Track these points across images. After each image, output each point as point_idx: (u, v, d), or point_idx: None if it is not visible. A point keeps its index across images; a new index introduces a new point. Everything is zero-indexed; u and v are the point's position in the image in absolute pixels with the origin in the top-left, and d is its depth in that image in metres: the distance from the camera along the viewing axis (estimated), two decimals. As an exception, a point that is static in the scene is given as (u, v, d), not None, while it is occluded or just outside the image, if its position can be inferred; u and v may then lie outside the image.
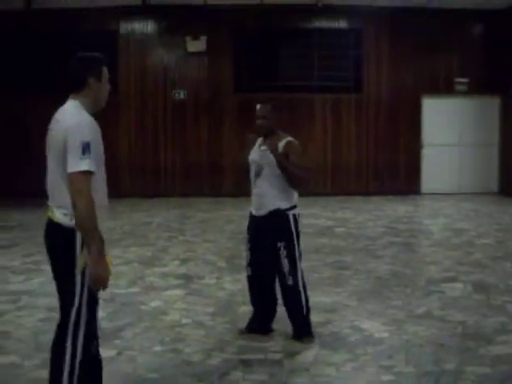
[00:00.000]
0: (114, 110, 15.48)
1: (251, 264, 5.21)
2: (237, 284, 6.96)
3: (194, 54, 15.70)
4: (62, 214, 3.42)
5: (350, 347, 4.97)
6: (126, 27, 15.92)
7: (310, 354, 4.82)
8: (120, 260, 8.12)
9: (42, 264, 7.93)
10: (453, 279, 7.16)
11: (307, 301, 5.14)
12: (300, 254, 5.10)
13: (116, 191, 15.02)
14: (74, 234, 3.38)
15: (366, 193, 15.88)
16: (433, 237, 10.00)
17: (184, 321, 5.65)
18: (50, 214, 3.51)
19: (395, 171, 16.17)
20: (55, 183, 3.45)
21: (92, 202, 3.30)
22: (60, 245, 3.44)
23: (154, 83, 15.82)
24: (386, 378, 4.34)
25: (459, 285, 6.92)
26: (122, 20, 15.85)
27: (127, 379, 4.25)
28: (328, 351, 4.87)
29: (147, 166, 15.63)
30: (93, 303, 3.54)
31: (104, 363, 4.53)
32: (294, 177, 4.94)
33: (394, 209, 13.45)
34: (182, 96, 15.86)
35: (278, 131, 5.13)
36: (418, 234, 10.64)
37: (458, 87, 16.02)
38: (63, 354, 3.45)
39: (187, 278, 7.20)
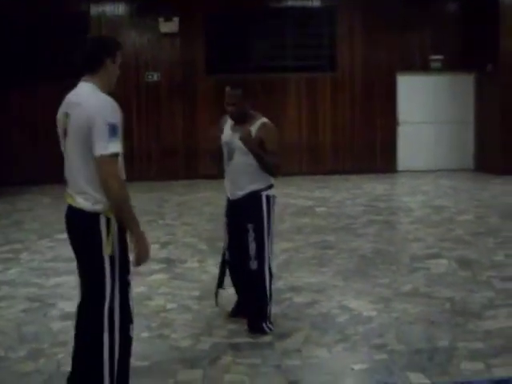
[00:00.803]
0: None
1: (229, 248, 5.06)
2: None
3: (166, 35, 15.49)
4: (83, 199, 3.35)
5: (339, 327, 4.92)
6: (96, 9, 15.62)
7: (300, 335, 4.75)
8: (100, 246, 7.98)
9: (20, 252, 7.81)
10: (437, 256, 7.15)
11: (270, 290, 4.89)
12: (270, 238, 4.88)
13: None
14: (98, 219, 3.34)
15: (343, 172, 15.86)
16: (413, 214, 9.99)
17: (169, 306, 5.55)
18: (69, 200, 3.45)
19: (371, 149, 16.17)
20: (76, 168, 3.38)
21: (123, 183, 3.30)
22: (84, 231, 3.39)
23: (126, 65, 15.53)
24: (379, 356, 4.29)
25: (443, 261, 6.91)
26: (92, 2, 15.55)
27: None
28: (318, 332, 4.81)
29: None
30: (125, 286, 3.47)
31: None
32: (267, 165, 4.72)
33: (372, 187, 13.43)
34: (155, 78, 15.66)
35: (250, 114, 4.91)
36: (398, 212, 10.64)
37: (433, 64, 16.01)
38: (101, 345, 3.36)
39: (169, 262, 7.10)
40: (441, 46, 15.96)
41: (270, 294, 4.90)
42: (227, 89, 4.89)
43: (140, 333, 4.72)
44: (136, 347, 4.49)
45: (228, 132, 4.95)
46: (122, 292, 3.43)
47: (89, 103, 3.31)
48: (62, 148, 3.51)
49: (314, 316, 5.19)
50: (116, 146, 3.25)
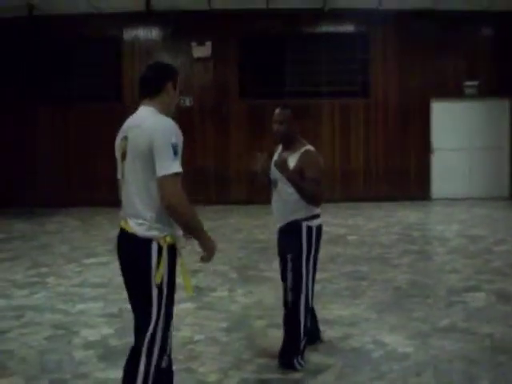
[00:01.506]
0: (119, 120, 15.20)
1: (281, 278, 4.85)
2: (250, 296, 6.68)
3: (199, 59, 15.46)
4: (137, 224, 3.33)
5: (374, 364, 4.68)
6: (130, 34, 15.68)
7: (332, 372, 4.53)
8: (127, 272, 7.85)
9: (47, 277, 7.71)
10: (475, 288, 6.87)
11: (306, 326, 4.69)
12: (311, 271, 4.70)
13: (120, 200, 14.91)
14: (150, 245, 3.29)
15: (376, 199, 15.60)
16: (448, 244, 9.69)
17: (197, 337, 5.36)
18: (123, 224, 3.43)
19: (405, 176, 15.90)
20: (134, 192, 3.36)
21: (187, 200, 3.25)
22: (135, 256, 3.34)
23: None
24: (417, 398, 4.06)
25: (482, 294, 6.63)
26: (125, 27, 15.62)
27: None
28: (351, 369, 4.58)
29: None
30: (169, 317, 3.43)
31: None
32: (306, 192, 4.55)
33: (406, 215, 13.16)
34: (187, 103, 15.59)
35: (296, 138, 4.80)
36: (433, 241, 10.34)
37: (467, 90, 15.75)
38: (136, 371, 3.36)
39: (198, 291, 6.91)
40: (475, 71, 15.69)
41: (305, 330, 4.68)
42: (277, 110, 4.84)
43: (166, 366, 4.52)
44: (161, 382, 4.31)
45: (275, 158, 4.85)
46: (165, 322, 3.39)
47: (149, 124, 3.29)
48: (119, 173, 3.52)
49: (347, 351, 4.96)
50: (178, 166, 3.22)
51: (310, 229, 4.68)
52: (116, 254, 3.51)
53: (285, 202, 4.71)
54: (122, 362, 4.65)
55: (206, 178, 15.44)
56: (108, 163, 15.29)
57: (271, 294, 6.73)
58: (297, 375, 4.48)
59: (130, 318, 5.82)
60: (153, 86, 3.48)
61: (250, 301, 6.52)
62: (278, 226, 4.85)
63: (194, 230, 3.37)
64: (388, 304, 6.35)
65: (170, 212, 3.24)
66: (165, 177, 3.19)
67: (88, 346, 5.12)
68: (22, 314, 6.10)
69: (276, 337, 5.25)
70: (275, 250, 8.23)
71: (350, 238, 10.35)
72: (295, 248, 4.64)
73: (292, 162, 4.63)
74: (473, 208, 14.15)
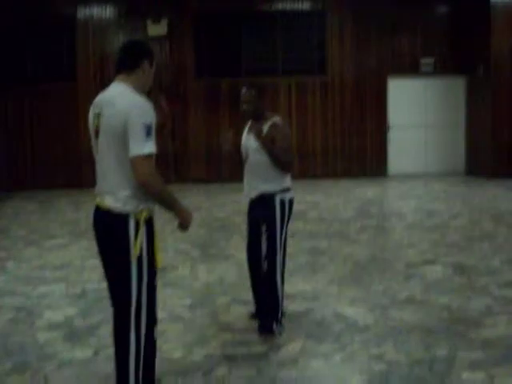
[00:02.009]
0: (72, 98, 15.09)
1: (247, 249, 5.06)
2: (213, 274, 6.74)
3: (154, 38, 15.31)
4: (113, 200, 3.35)
5: (335, 336, 4.78)
6: (83, 11, 15.44)
7: (295, 345, 4.60)
8: (88, 253, 7.82)
9: (6, 261, 7.64)
10: (432, 262, 7.03)
11: (282, 292, 4.87)
12: (283, 242, 4.86)
13: (78, 181, 14.81)
14: (127, 220, 3.33)
15: (334, 176, 15.75)
16: (406, 219, 9.87)
17: (161, 315, 5.31)
18: (98, 201, 3.45)
19: (362, 153, 16.07)
20: (108, 168, 3.38)
21: (161, 178, 3.31)
22: (112, 232, 3.38)
23: (114, 69, 15.39)
24: (378, 367, 4.16)
25: (439, 267, 6.79)
26: (79, 4, 15.37)
27: (107, 382, 3.98)
28: (314, 342, 4.67)
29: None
30: (152, 289, 3.47)
31: (81, 365, 4.33)
32: (279, 161, 4.74)
33: (363, 191, 13.33)
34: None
35: (264, 113, 4.94)
36: (391, 217, 10.52)
37: (423, 67, 15.93)
38: (128, 344, 3.40)
39: (160, 269, 6.90)
40: (431, 49, 15.88)
41: (282, 296, 4.86)
42: (243, 89, 4.92)
43: (130, 344, 4.55)
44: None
45: (245, 135, 5.03)
46: (148, 294, 3.43)
47: (123, 103, 3.30)
48: (94, 149, 3.50)
49: (309, 324, 5.05)
50: (151, 147, 3.27)
51: (282, 202, 4.82)
52: (93, 232, 3.54)
53: (257, 171, 4.83)
54: (88, 342, 4.73)
55: (164, 156, 15.38)
56: (64, 145, 15.29)
57: (233, 270, 6.81)
58: (260, 348, 4.55)
59: (93, 298, 5.90)
60: (129, 62, 3.49)
61: (212, 278, 6.58)
62: (250, 198, 4.96)
63: (168, 206, 3.44)
64: (348, 278, 6.46)
65: (144, 190, 3.30)
66: (138, 157, 3.22)
67: (52, 327, 5.11)
68: (-18, 298, 6.05)
69: (239, 312, 5.35)
70: (235, 228, 8.34)
71: (309, 214, 10.45)
72: (269, 219, 4.78)
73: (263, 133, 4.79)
74: (429, 184, 14.39)
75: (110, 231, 3.38)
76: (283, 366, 4.24)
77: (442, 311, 5.30)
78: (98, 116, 3.38)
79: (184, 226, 3.56)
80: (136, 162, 3.23)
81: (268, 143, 4.72)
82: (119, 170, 3.33)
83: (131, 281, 3.35)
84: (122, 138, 3.26)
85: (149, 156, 3.26)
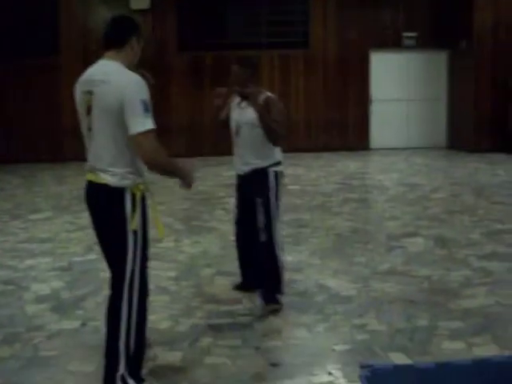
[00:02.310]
0: (55, 72, 15.01)
1: (238, 223, 5.12)
2: (197, 246, 6.82)
3: (137, 11, 15.20)
4: (109, 175, 3.38)
5: (318, 307, 4.89)
6: (65, -17, 15.30)
7: (279, 315, 4.71)
8: (73, 226, 7.88)
9: (-8, 233, 7.66)
10: (413, 234, 7.15)
11: (282, 262, 4.89)
12: (278, 212, 4.90)
13: (61, 155, 14.78)
14: (124, 194, 3.39)
15: (316, 149, 15.82)
16: (388, 192, 9.98)
17: (147, 287, 5.47)
18: (91, 177, 3.49)
19: (344, 127, 16.14)
20: (103, 146, 3.39)
21: (164, 151, 3.38)
22: (108, 206, 3.44)
23: (96, 42, 15.31)
24: (360, 337, 4.27)
25: (420, 239, 6.91)
26: (61, -24, 15.22)
27: (94, 352, 4.05)
28: (297, 312, 4.78)
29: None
30: (144, 260, 3.54)
31: (69, 335, 4.40)
32: (275, 133, 4.71)
33: (346, 165, 13.43)
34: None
35: (256, 90, 4.80)
36: (373, 190, 10.63)
37: (406, 41, 15.96)
38: (119, 315, 3.45)
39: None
40: (414, 23, 15.91)
41: (282, 265, 4.89)
42: (235, 67, 4.83)
43: (117, 315, 4.62)
44: (114, 330, 4.42)
45: (235, 108, 4.96)
46: (141, 266, 3.50)
47: (119, 80, 3.30)
48: (83, 126, 3.50)
49: (292, 295, 5.14)
50: (151, 123, 3.31)
51: (276, 174, 4.87)
52: (85, 206, 3.62)
53: (250, 146, 4.83)
54: (75, 313, 4.81)
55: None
56: (46, 119, 15.22)
57: (216, 243, 6.90)
58: (246, 319, 4.65)
59: (80, 270, 5.96)
60: (118, 39, 3.47)
61: (197, 250, 6.66)
62: (241, 172, 4.96)
63: (172, 175, 3.59)
64: (330, 250, 6.57)
65: (150, 166, 3.36)
66: (140, 134, 3.25)
67: (39, 299, 5.18)
68: (-32, 271, 6.10)
69: (223, 284, 5.45)
70: (217, 202, 8.40)
71: (291, 187, 10.49)
72: (264, 192, 4.81)
73: (252, 113, 4.74)
74: (411, 157, 14.50)
75: (107, 205, 3.42)
76: (267, 336, 4.34)
77: (422, 282, 5.43)
78: (88, 93, 3.36)
79: (188, 184, 3.67)
80: (139, 140, 3.26)
81: (266, 114, 4.67)
82: (115, 147, 3.35)
83: (127, 253, 3.40)
84: (119, 115, 3.26)
85: (151, 131, 3.29)
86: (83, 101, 3.42)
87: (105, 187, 3.39)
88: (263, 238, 4.81)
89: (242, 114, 4.84)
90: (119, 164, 3.36)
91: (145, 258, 3.55)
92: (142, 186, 3.46)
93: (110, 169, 3.37)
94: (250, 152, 4.84)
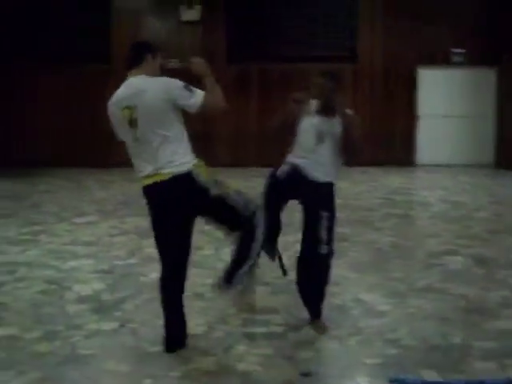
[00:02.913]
0: (106, 80, 15.27)
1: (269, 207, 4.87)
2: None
3: (187, 22, 15.45)
4: (175, 167, 3.99)
5: (353, 320, 4.93)
6: (119, -5, 15.64)
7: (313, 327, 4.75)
8: (116, 231, 8.05)
9: (39, 235, 7.89)
10: (453, 252, 7.11)
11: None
12: None
13: (105, 161, 15.05)
14: (192, 175, 4.03)
15: (362, 163, 15.77)
16: (431, 209, 9.93)
17: (185, 292, 5.57)
18: (155, 178, 4.02)
19: (391, 142, 16.07)
20: (158, 147, 3.99)
21: (220, 94, 4.23)
22: (190, 190, 4.04)
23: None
24: (392, 351, 4.30)
25: (459, 258, 6.87)
26: (115, -12, 15.57)
27: (130, 353, 4.19)
28: (331, 324, 4.80)
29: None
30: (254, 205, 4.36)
31: (107, 336, 4.53)
32: (356, 148, 4.78)
33: (390, 180, 13.40)
34: (174, 65, 15.60)
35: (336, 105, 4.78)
36: (416, 206, 10.59)
37: (455, 58, 15.86)
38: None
39: (186, 249, 7.12)
40: (463, 39, 15.79)
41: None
42: (319, 79, 4.78)
43: (154, 319, 4.73)
44: (150, 333, 4.57)
45: (313, 117, 4.81)
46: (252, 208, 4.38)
47: (155, 85, 3.98)
48: (128, 139, 4.09)
49: (328, 308, 5.16)
50: (199, 92, 4.04)
51: (335, 192, 4.90)
52: (149, 206, 4.18)
53: (330, 159, 4.78)
54: (114, 315, 4.94)
55: (193, 140, 15.54)
56: (93, 125, 15.54)
57: (256, 253, 6.95)
58: (280, 329, 4.71)
59: (121, 273, 6.10)
60: (136, 59, 4.17)
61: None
62: (309, 177, 4.78)
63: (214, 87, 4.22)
64: (368, 264, 6.59)
65: (224, 110, 4.22)
66: (201, 104, 3.99)
67: (80, 300, 5.33)
68: (15, 270, 6.29)
69: (260, 293, 5.48)
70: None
71: (334, 201, 10.54)
72: (330, 208, 4.79)
73: (336, 125, 4.72)
74: (457, 175, 14.37)
75: (186, 190, 4.03)
76: (300, 347, 4.39)
77: (459, 301, 5.40)
78: (128, 108, 3.89)
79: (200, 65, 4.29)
80: (204, 109, 4.03)
81: (355, 129, 4.71)
82: (170, 143, 3.99)
83: (235, 205, 4.23)
84: (167, 112, 3.94)
85: (204, 96, 4.00)
86: (124, 117, 3.93)
87: (178, 178, 3.98)
88: (324, 250, 4.77)
89: (328, 124, 4.72)
90: (179, 155, 4.00)
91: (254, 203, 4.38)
92: (201, 161, 4.14)
93: (172, 162, 3.97)
94: (330, 164, 4.79)
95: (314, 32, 15.88)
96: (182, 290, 4.34)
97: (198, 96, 3.97)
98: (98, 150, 15.42)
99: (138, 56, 4.18)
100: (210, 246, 7.25)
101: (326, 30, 15.90)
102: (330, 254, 4.83)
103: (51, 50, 15.60)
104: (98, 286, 5.75)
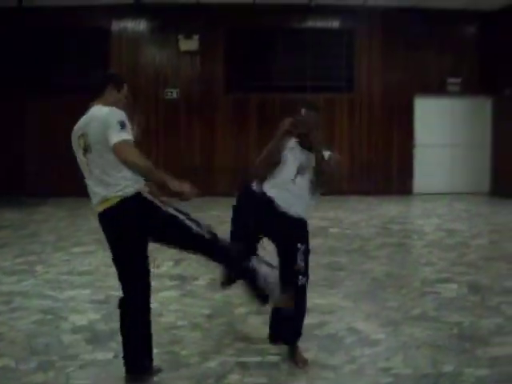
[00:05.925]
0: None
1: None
2: (233, 286, 6.91)
3: (186, 52, 15.64)
4: (126, 191, 4.03)
5: (346, 349, 4.95)
6: (118, 25, 15.86)
7: (307, 356, 4.76)
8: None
9: (35, 265, 7.91)
10: (448, 280, 7.15)
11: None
12: None
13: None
14: (141, 195, 4.08)
15: (359, 192, 15.87)
16: (426, 237, 9.99)
17: (180, 323, 5.60)
18: (105, 204, 4.09)
19: (388, 171, 16.19)
20: (102, 173, 4.06)
21: (142, 157, 4.01)
22: (139, 210, 4.07)
23: (145, 82, 15.76)
24: (385, 380, 4.32)
25: (454, 286, 6.91)
26: (114, 18, 15.79)
27: (125, 382, 4.20)
28: (325, 353, 4.84)
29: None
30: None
31: (101, 366, 4.55)
32: (330, 176, 4.85)
33: (387, 209, 13.46)
34: (174, 95, 15.80)
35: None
36: (412, 235, 10.64)
37: (450, 87, 16.04)
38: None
39: (182, 279, 7.16)
40: (459, 69, 15.99)
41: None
42: (311, 113, 4.83)
43: (149, 349, 4.74)
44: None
45: (297, 151, 4.87)
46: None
47: (100, 114, 4.07)
48: (83, 166, 4.20)
49: (322, 337, 5.22)
50: (126, 135, 3.98)
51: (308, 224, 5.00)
52: (104, 238, 4.22)
53: (306, 192, 4.84)
54: (109, 345, 4.96)
55: (191, 169, 15.64)
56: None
57: (252, 283, 6.98)
58: (274, 358, 4.73)
59: (115, 304, 6.02)
60: (99, 89, 4.36)
61: (231, 289, 6.74)
62: (284, 209, 4.81)
63: (158, 178, 4.09)
64: (364, 293, 6.62)
65: (129, 166, 3.99)
66: (117, 143, 3.94)
67: (76, 330, 5.35)
68: (10, 300, 6.30)
69: (255, 323, 5.53)
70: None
71: (330, 230, 10.61)
72: (305, 240, 4.90)
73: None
74: (453, 203, 14.46)
75: (137, 210, 4.06)
76: (294, 376, 4.42)
77: (452, 328, 5.43)
78: (82, 136, 4.11)
79: (183, 195, 4.19)
80: (117, 148, 3.95)
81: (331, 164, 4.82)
82: (113, 169, 4.01)
83: (191, 230, 4.33)
84: (107, 141, 3.98)
85: (127, 140, 3.97)
86: (79, 144, 4.12)
87: (124, 200, 4.02)
88: (301, 281, 4.84)
89: (310, 159, 4.77)
90: (127, 178, 4.02)
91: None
92: (143, 187, 4.11)
93: (123, 186, 4.01)
94: (306, 197, 4.85)
95: (312, 61, 16.04)
96: (144, 313, 4.31)
97: (120, 136, 3.95)
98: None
99: (101, 87, 4.36)
100: (206, 277, 7.26)
101: (323, 60, 16.06)
102: (306, 284, 4.91)
103: (53, 80, 15.77)
104: (93, 315, 5.77)
